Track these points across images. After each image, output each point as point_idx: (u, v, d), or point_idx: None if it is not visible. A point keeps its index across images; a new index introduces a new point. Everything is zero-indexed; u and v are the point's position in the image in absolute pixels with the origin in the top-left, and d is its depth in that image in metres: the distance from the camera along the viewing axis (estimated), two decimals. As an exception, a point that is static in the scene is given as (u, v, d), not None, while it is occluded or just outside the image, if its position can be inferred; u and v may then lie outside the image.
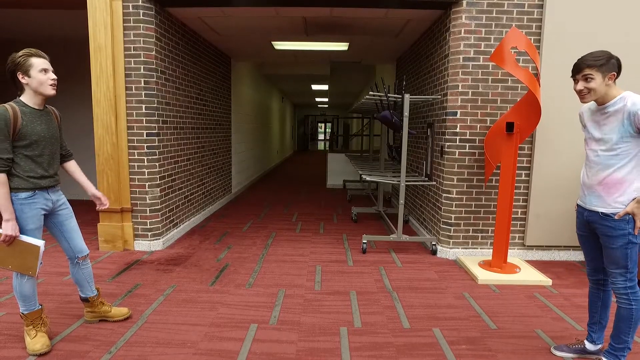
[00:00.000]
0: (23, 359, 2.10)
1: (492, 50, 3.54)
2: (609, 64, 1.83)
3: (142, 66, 3.73)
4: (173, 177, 4.31)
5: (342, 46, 5.68)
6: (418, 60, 4.89)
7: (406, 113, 3.71)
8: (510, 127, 3.24)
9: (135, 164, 3.85)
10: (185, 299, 2.86)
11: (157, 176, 3.92)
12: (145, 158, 3.85)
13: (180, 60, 4.44)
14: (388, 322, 2.57)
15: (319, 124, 26.90)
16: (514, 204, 3.70)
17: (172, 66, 4.22)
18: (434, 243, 3.96)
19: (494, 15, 3.54)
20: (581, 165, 3.62)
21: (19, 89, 2.05)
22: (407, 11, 3.90)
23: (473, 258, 3.75)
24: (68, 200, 2.37)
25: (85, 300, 2.43)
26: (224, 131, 6.31)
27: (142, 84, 3.75)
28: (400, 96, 3.80)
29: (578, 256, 3.85)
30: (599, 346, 2.19)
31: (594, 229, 2.00)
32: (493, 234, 3.80)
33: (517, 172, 3.71)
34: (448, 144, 3.75)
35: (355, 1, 3.71)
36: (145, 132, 3.81)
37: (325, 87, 12.22)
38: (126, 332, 2.39)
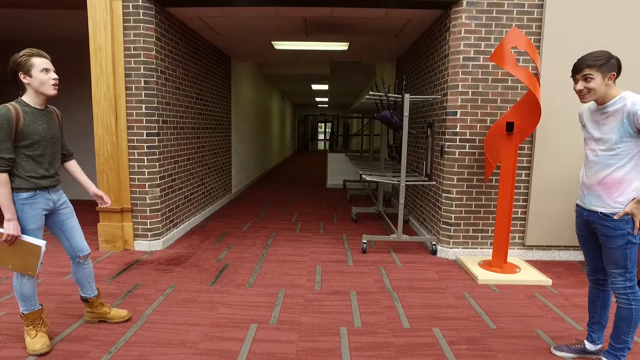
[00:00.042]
0: (23, 359, 2.10)
1: (492, 50, 3.54)
2: (608, 64, 1.83)
3: (142, 66, 3.73)
4: (173, 177, 4.31)
5: (342, 46, 5.68)
6: (418, 60, 4.89)
7: (406, 113, 3.71)
8: (510, 127, 3.24)
9: (135, 163, 3.85)
10: (185, 299, 2.86)
11: (157, 176, 3.92)
12: (145, 158, 3.85)
13: (180, 60, 4.44)
14: (388, 322, 2.57)
15: (319, 124, 26.90)
16: (514, 203, 3.70)
17: (172, 66, 4.22)
18: (434, 243, 3.96)
19: (494, 15, 3.54)
20: (581, 165, 3.62)
21: (20, 88, 2.06)
22: (407, 11, 3.90)
23: (473, 258, 3.75)
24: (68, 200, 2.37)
25: (85, 300, 2.43)
26: (224, 131, 6.31)
27: (142, 84, 3.75)
28: (400, 96, 3.80)
29: (578, 256, 3.85)
30: (599, 346, 2.19)
31: (593, 229, 2.00)
32: (493, 234, 3.80)
33: (517, 172, 3.71)
34: (448, 143, 3.75)
35: (355, 1, 3.71)
36: (145, 132, 3.81)
37: (325, 87, 12.22)
38: (126, 332, 2.39)
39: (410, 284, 3.20)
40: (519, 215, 3.80)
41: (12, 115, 1.94)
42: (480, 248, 3.85)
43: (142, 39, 3.69)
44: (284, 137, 16.28)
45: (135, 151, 3.83)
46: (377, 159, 6.90)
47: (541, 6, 3.52)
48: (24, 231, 2.05)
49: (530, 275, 3.32)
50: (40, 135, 2.06)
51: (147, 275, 3.29)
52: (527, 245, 3.84)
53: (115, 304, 2.74)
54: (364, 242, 3.99)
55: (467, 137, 3.69)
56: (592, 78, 1.85)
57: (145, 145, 3.83)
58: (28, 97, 2.05)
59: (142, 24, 3.68)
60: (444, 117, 3.79)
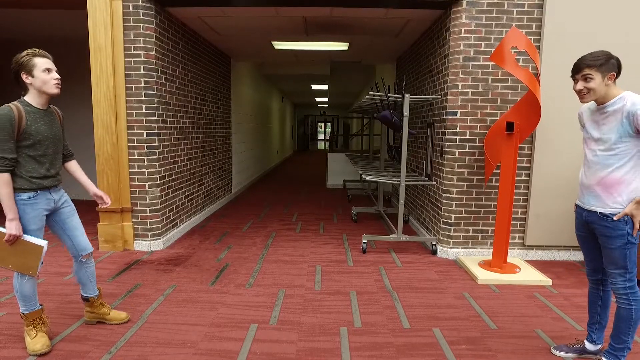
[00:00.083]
0: (23, 359, 2.10)
1: (492, 50, 3.54)
2: (608, 64, 1.83)
3: (142, 66, 3.73)
4: (173, 177, 4.31)
5: (342, 46, 5.68)
6: (418, 60, 4.89)
7: (406, 113, 3.71)
8: (510, 127, 3.24)
9: (135, 164, 3.85)
10: (186, 299, 2.86)
11: (157, 176, 3.92)
12: (145, 158, 3.85)
13: (180, 60, 4.44)
14: (388, 322, 2.57)
15: (319, 124, 26.89)
16: (514, 203, 3.70)
17: (172, 66, 4.22)
18: (434, 243, 3.96)
19: (494, 15, 3.54)
20: (581, 165, 3.62)
21: (23, 89, 2.06)
22: (407, 11, 3.90)
23: (473, 258, 3.75)
24: (68, 200, 2.37)
25: (86, 300, 2.42)
26: (224, 131, 6.31)
27: (142, 84, 3.75)
28: (400, 96, 3.80)
29: (578, 256, 3.85)
30: (599, 346, 2.19)
31: (592, 229, 2.00)
32: (493, 234, 3.80)
33: (517, 172, 3.71)
34: (448, 143, 3.75)
35: (355, 1, 3.71)
36: (145, 132, 3.81)
37: (325, 87, 12.22)
38: (126, 332, 2.39)
39: (410, 284, 3.20)
40: (519, 215, 3.80)
41: (15, 115, 1.94)
42: (480, 248, 3.85)
43: (142, 39, 3.69)
44: (284, 137, 16.28)
45: (135, 151, 3.83)
46: (377, 159, 6.90)
47: (541, 6, 3.53)
48: (25, 231, 2.05)
49: (530, 275, 3.32)
50: (42, 135, 2.06)
51: (147, 275, 3.29)
52: (527, 245, 3.84)
53: (115, 304, 2.74)
54: (364, 242, 3.99)
55: (467, 137, 3.69)
56: (591, 78, 1.85)
57: (145, 145, 3.83)
58: (30, 97, 2.06)
59: (142, 24, 3.68)
60: (444, 117, 3.79)
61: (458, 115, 3.67)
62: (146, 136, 3.82)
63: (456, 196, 3.77)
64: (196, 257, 3.77)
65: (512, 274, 3.34)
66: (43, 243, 2.07)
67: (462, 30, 3.56)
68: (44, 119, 2.09)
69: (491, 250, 3.82)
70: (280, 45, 5.69)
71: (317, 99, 17.79)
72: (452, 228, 3.81)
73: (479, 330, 2.49)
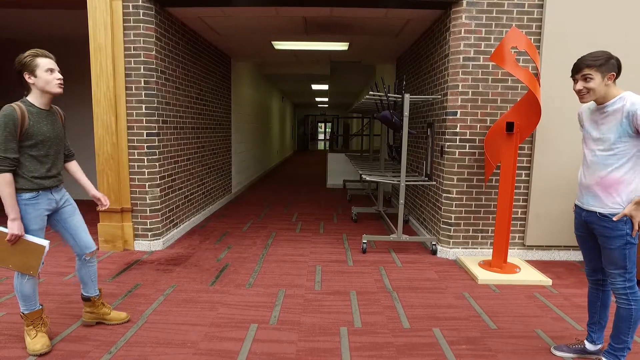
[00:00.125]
0: (23, 359, 2.10)
1: (492, 50, 3.54)
2: (608, 64, 1.83)
3: (142, 66, 3.73)
4: (173, 177, 4.31)
5: (342, 46, 5.68)
6: (418, 60, 4.89)
7: (406, 113, 3.71)
8: (510, 127, 3.24)
9: (135, 164, 3.85)
10: (186, 299, 2.86)
11: (157, 176, 3.92)
12: (145, 158, 3.85)
13: (180, 60, 4.44)
14: (388, 322, 2.57)
15: (319, 124, 26.89)
16: (514, 203, 3.70)
17: (172, 66, 4.22)
18: (434, 243, 3.96)
19: (494, 15, 3.54)
20: (580, 165, 3.63)
21: (25, 89, 2.07)
22: (407, 11, 3.90)
23: (473, 258, 3.75)
24: (68, 200, 2.37)
25: (86, 299, 2.42)
26: (224, 131, 6.31)
27: (142, 84, 3.75)
28: (400, 96, 3.80)
29: (578, 256, 3.85)
30: (599, 346, 2.19)
31: (592, 230, 2.00)
32: (493, 234, 3.80)
33: (517, 172, 3.71)
34: (448, 143, 3.75)
35: (355, 1, 3.71)
36: (145, 132, 3.81)
37: (325, 87, 12.22)
38: (126, 332, 2.39)
39: (410, 284, 3.20)
40: (519, 215, 3.80)
41: (18, 115, 1.95)
42: (480, 248, 3.85)
43: (142, 39, 3.69)
44: (284, 137, 16.28)
45: (135, 151, 3.83)
46: (377, 159, 6.90)
47: (541, 6, 3.53)
48: (26, 231, 2.06)
49: (530, 275, 3.32)
50: (45, 135, 2.07)
51: (147, 275, 3.29)
52: (527, 245, 3.84)
53: (115, 304, 2.74)
54: (364, 242, 3.99)
55: (467, 137, 3.69)
56: (591, 78, 1.85)
57: (145, 145, 3.83)
58: (33, 97, 2.06)
59: (142, 24, 3.68)
60: (444, 117, 3.79)
61: (458, 115, 3.67)
62: (146, 136, 3.82)
63: (456, 196, 3.77)
64: (196, 257, 3.77)
65: (512, 274, 3.34)
66: (45, 243, 2.08)
67: (462, 30, 3.56)
68: (47, 119, 2.10)
69: (491, 250, 3.82)
70: (280, 45, 5.69)
71: (317, 99, 17.79)
72: (452, 228, 3.81)
73: (479, 330, 2.49)
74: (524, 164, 3.73)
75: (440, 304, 2.84)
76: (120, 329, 2.41)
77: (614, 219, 1.86)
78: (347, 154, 8.63)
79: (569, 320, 2.64)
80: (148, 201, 3.90)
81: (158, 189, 3.94)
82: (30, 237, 2.05)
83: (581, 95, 1.91)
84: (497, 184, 3.73)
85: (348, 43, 5.49)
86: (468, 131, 3.68)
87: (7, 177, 1.96)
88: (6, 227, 2.00)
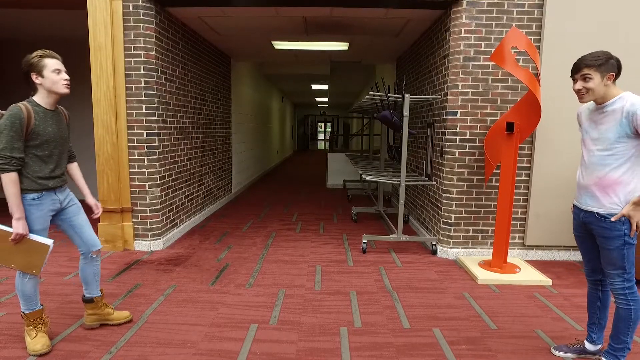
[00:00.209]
0: (23, 359, 2.10)
1: (492, 50, 3.54)
2: (607, 64, 1.83)
3: (142, 66, 3.73)
4: (173, 177, 4.31)
5: (342, 46, 5.68)
6: (418, 60, 4.89)
7: (406, 113, 3.71)
8: (510, 127, 3.24)
9: (136, 163, 3.85)
10: (186, 299, 2.86)
11: (157, 176, 3.92)
12: (145, 158, 3.85)
13: (180, 60, 4.44)
14: (388, 322, 2.57)
15: (319, 124, 26.89)
16: (514, 204, 3.70)
17: (172, 66, 4.22)
18: (434, 243, 3.96)
19: (494, 15, 3.54)
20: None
21: (32, 89, 2.08)
22: (407, 11, 3.90)
23: (473, 258, 3.75)
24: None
25: (89, 300, 2.40)
26: (224, 131, 6.31)
27: (142, 84, 3.76)
28: (400, 96, 3.81)
29: (578, 256, 3.85)
30: (599, 346, 2.19)
31: (590, 230, 2.00)
32: (493, 234, 3.81)
33: (517, 172, 3.71)
34: (448, 143, 3.75)
35: (355, 1, 3.71)
36: (145, 132, 3.82)
37: (325, 87, 12.22)
38: (126, 332, 2.39)
39: (410, 284, 3.20)
40: (519, 215, 3.81)
41: (24, 115, 1.96)
42: (480, 248, 3.85)
43: (142, 39, 3.69)
44: (284, 137, 16.28)
45: (136, 151, 3.83)
46: (377, 159, 6.90)
47: (541, 6, 3.53)
48: (29, 231, 2.06)
49: (530, 276, 3.32)
50: (50, 135, 2.08)
51: (147, 275, 3.29)
52: (527, 245, 3.84)
53: (115, 304, 2.75)
54: (364, 242, 3.99)
55: (467, 137, 3.69)
56: (590, 78, 1.85)
57: (145, 145, 3.83)
58: (39, 98, 2.07)
59: (142, 24, 3.68)
60: (444, 117, 3.79)
61: (458, 115, 3.67)
62: (146, 136, 3.82)
63: (456, 196, 3.77)
64: (196, 257, 3.77)
65: (512, 274, 3.34)
66: (49, 242, 2.09)
67: (462, 30, 3.56)
68: (52, 120, 2.10)
69: (491, 250, 3.82)
70: (280, 45, 5.69)
71: (317, 99, 17.79)
72: (452, 228, 3.81)
73: (479, 330, 2.49)
74: (524, 164, 3.74)
75: (440, 304, 2.85)
76: (120, 329, 2.41)
77: (612, 219, 1.86)
78: (347, 154, 8.63)
79: (569, 321, 2.64)
80: (148, 201, 3.90)
81: (158, 189, 3.94)
82: (34, 237, 2.06)
83: (580, 95, 1.91)
84: (497, 184, 3.73)
85: (348, 43, 5.49)
86: (468, 131, 3.68)
87: (13, 176, 1.97)
88: (10, 226, 2.00)
